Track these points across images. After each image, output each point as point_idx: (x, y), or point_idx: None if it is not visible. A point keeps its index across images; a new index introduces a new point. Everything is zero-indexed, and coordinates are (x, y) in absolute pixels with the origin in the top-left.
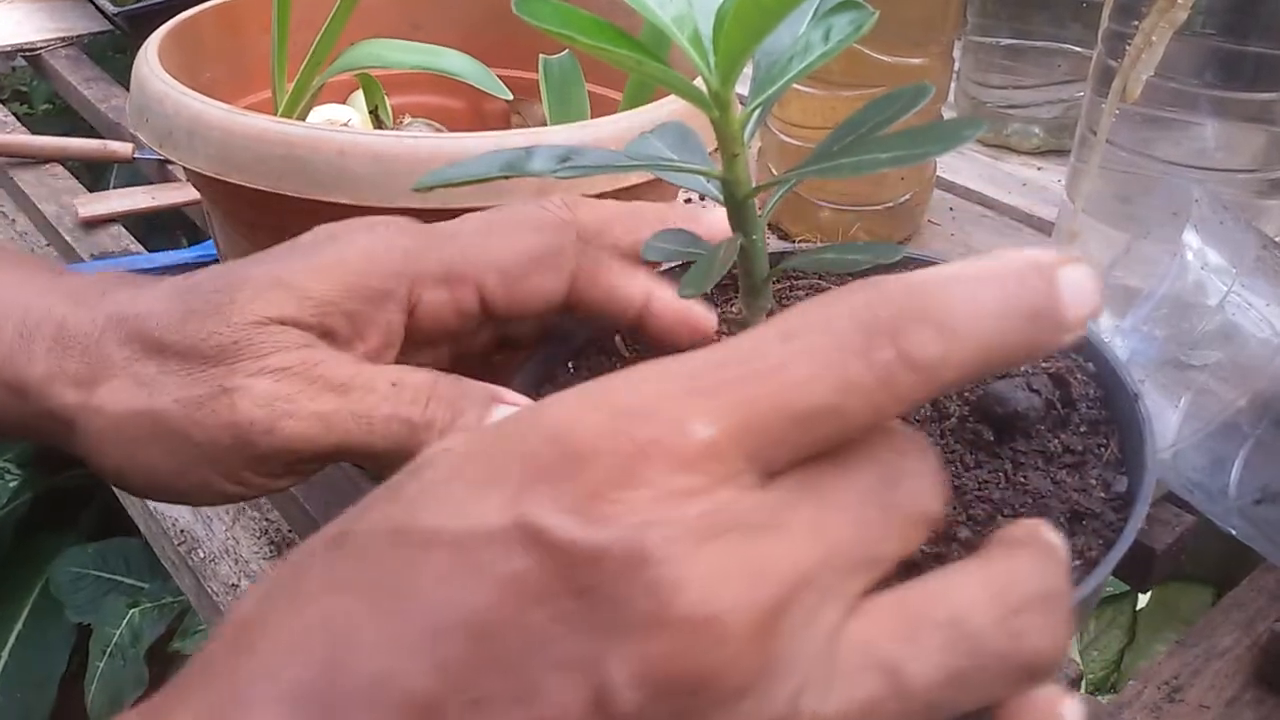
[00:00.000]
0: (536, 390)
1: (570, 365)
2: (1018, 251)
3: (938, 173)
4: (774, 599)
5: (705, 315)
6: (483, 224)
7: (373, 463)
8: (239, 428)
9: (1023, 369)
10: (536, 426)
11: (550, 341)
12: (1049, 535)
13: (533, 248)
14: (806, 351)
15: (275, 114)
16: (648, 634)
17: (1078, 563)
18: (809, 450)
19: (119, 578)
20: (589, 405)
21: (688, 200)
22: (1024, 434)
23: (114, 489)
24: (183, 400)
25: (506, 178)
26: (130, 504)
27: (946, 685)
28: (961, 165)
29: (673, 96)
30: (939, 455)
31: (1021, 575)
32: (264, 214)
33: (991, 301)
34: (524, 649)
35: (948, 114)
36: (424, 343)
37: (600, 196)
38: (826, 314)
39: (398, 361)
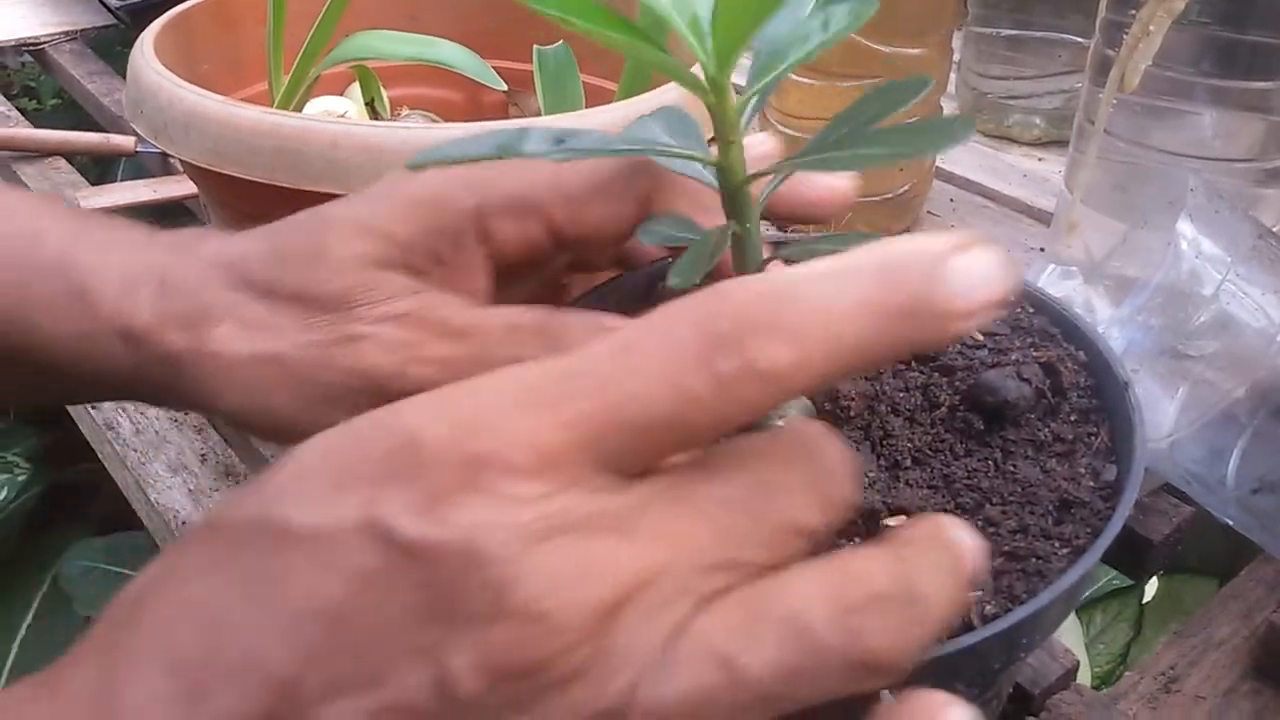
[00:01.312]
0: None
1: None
2: (898, 241)
3: (938, 164)
4: (606, 596)
5: None
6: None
7: None
8: (368, 374)
9: (1013, 358)
10: (392, 430)
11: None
12: (948, 531)
13: (603, 174)
14: (644, 363)
15: (272, 106)
16: (484, 626)
17: (1065, 550)
18: (665, 455)
19: (128, 571)
20: (434, 415)
21: None
22: (1014, 423)
23: (120, 487)
24: (304, 344)
25: (500, 158)
26: (133, 497)
27: (781, 678)
28: (962, 156)
29: (669, 86)
30: (849, 459)
31: (867, 574)
32: (258, 205)
33: (850, 302)
34: (374, 637)
35: (948, 105)
36: (512, 276)
37: None
38: (668, 324)
39: (500, 294)
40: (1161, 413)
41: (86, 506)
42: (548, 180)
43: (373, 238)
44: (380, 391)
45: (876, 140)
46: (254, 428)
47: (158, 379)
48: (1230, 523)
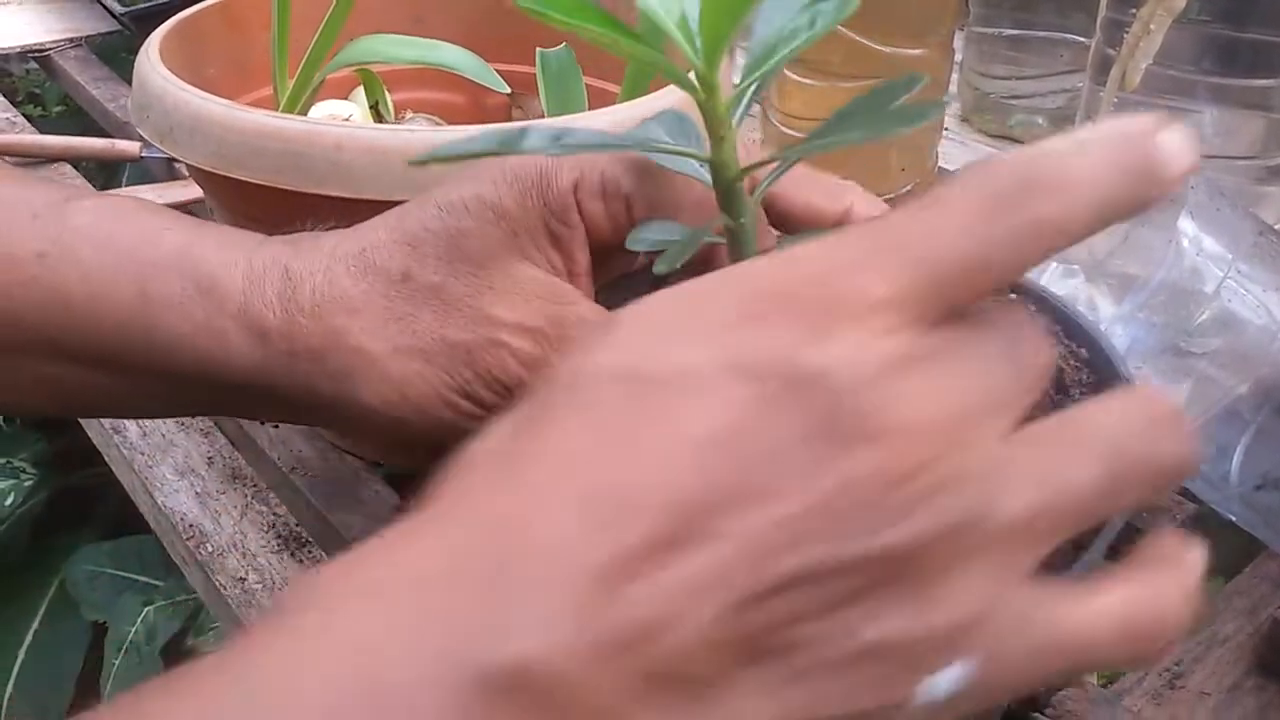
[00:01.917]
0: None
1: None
2: (1119, 119)
3: (939, 164)
4: (965, 413)
5: None
6: None
7: None
8: (508, 380)
9: None
10: (733, 284)
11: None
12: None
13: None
14: (951, 216)
15: (277, 110)
16: (870, 441)
17: (1068, 546)
18: (956, 304)
19: (134, 575)
20: (779, 264)
21: None
22: None
23: (126, 491)
24: (448, 342)
25: (501, 154)
26: (140, 501)
27: (1101, 493)
28: (964, 156)
29: (670, 88)
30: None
31: (1140, 400)
32: (264, 208)
33: (1102, 166)
34: (763, 456)
35: (950, 104)
36: (604, 262)
37: None
38: (959, 186)
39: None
40: None
41: (92, 511)
42: (633, 166)
43: (502, 225)
44: (514, 394)
45: (852, 125)
46: (392, 425)
47: (288, 377)
48: (1234, 519)
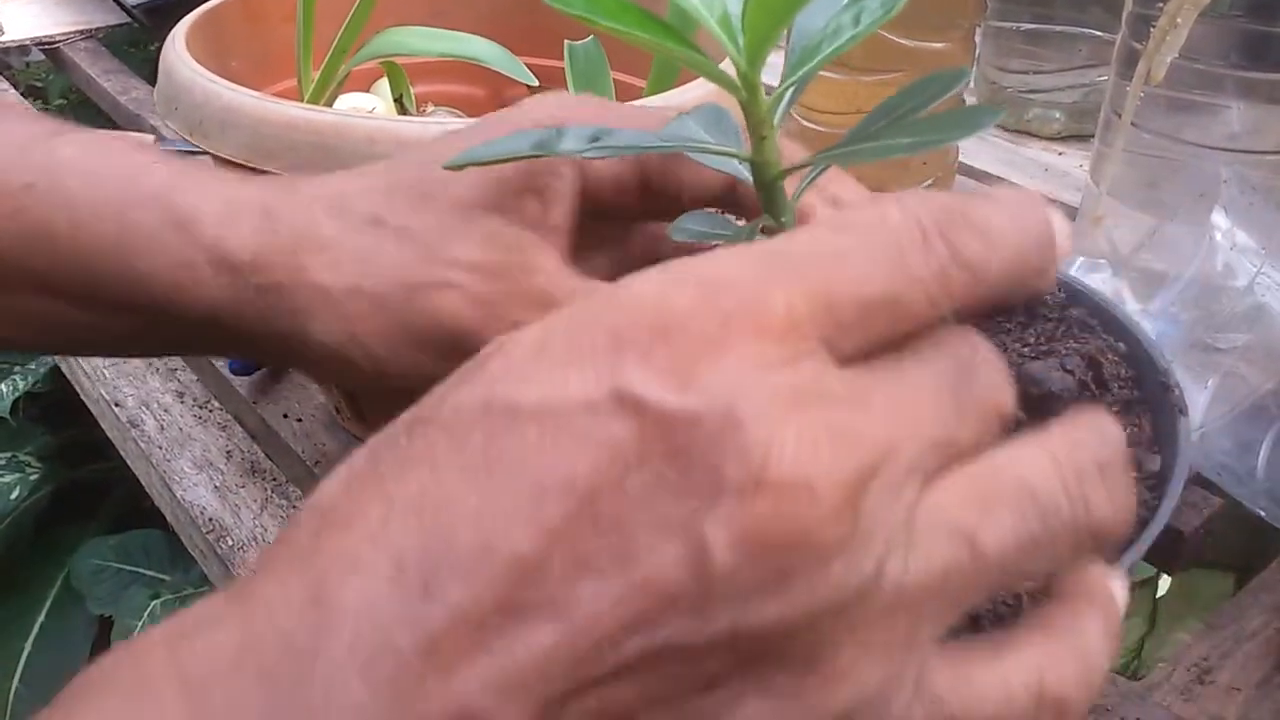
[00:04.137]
0: None
1: None
2: (1021, 190)
3: (959, 158)
4: (862, 466)
5: None
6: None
7: None
8: (451, 323)
9: (1057, 350)
10: (621, 302)
11: None
12: (1104, 418)
13: None
14: (866, 243)
15: (301, 103)
16: (743, 497)
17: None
18: (869, 340)
19: (140, 569)
20: (672, 279)
21: None
22: (1057, 414)
23: (141, 482)
24: (399, 282)
25: (538, 156)
26: (156, 494)
27: (1018, 550)
28: (982, 150)
29: (699, 81)
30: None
31: (1081, 445)
32: None
33: (1018, 221)
34: (624, 511)
35: (968, 99)
36: (596, 217)
37: None
38: (879, 212)
39: (577, 256)
40: (1192, 405)
41: (98, 505)
42: (644, 120)
43: (477, 173)
44: (459, 344)
45: (902, 130)
46: (342, 365)
47: (254, 311)
48: (1262, 514)
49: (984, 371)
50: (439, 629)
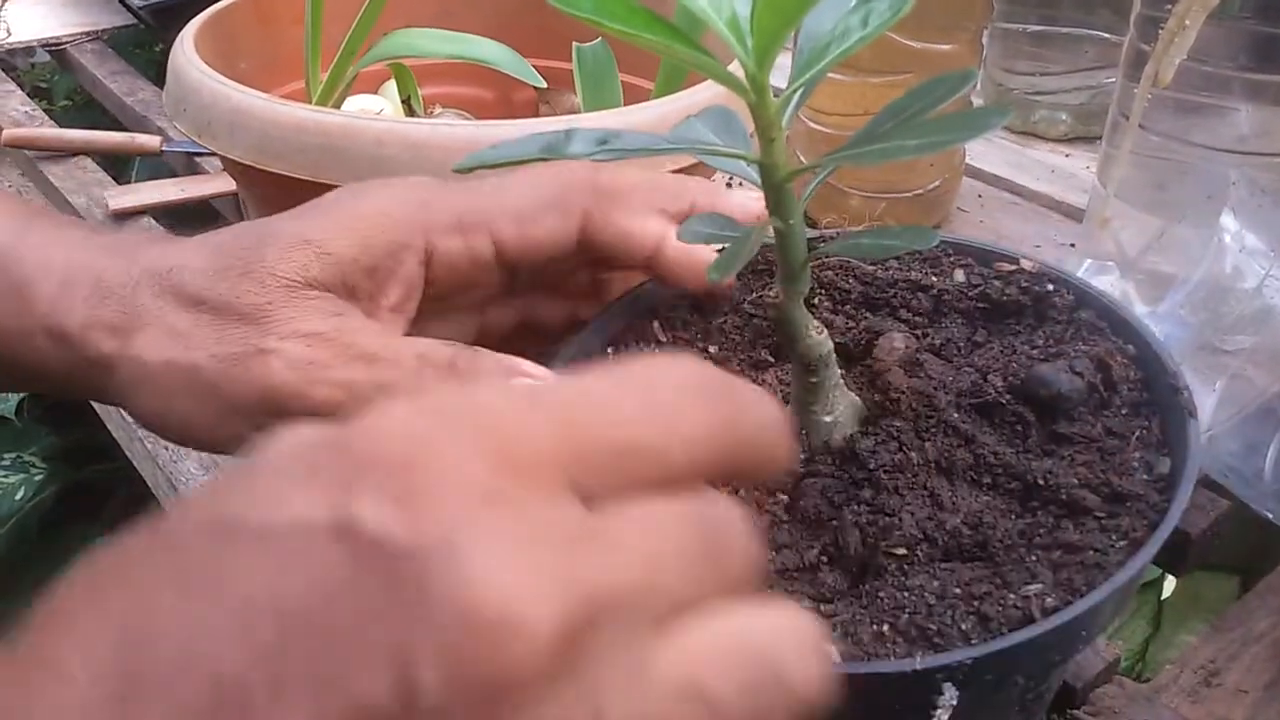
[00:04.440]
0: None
1: (609, 350)
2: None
3: (966, 160)
4: (580, 608)
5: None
6: (499, 178)
7: None
8: (271, 389)
9: (1066, 352)
10: (369, 429)
11: (587, 327)
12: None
13: (545, 193)
14: (636, 394)
15: (310, 104)
16: (452, 630)
17: (1123, 543)
18: (624, 487)
19: None
20: (420, 410)
21: (729, 185)
22: (1066, 416)
23: (145, 479)
24: (217, 356)
25: (545, 159)
26: (163, 495)
27: (749, 703)
28: (989, 152)
29: (707, 82)
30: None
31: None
32: (302, 202)
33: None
34: (333, 637)
35: (975, 101)
36: (444, 297)
37: None
38: (665, 368)
39: (421, 325)
40: (1200, 407)
41: (103, 506)
42: (494, 198)
43: (307, 253)
44: (282, 409)
45: (910, 132)
46: (168, 434)
47: (86, 380)
48: (1270, 516)
49: (731, 530)
50: None
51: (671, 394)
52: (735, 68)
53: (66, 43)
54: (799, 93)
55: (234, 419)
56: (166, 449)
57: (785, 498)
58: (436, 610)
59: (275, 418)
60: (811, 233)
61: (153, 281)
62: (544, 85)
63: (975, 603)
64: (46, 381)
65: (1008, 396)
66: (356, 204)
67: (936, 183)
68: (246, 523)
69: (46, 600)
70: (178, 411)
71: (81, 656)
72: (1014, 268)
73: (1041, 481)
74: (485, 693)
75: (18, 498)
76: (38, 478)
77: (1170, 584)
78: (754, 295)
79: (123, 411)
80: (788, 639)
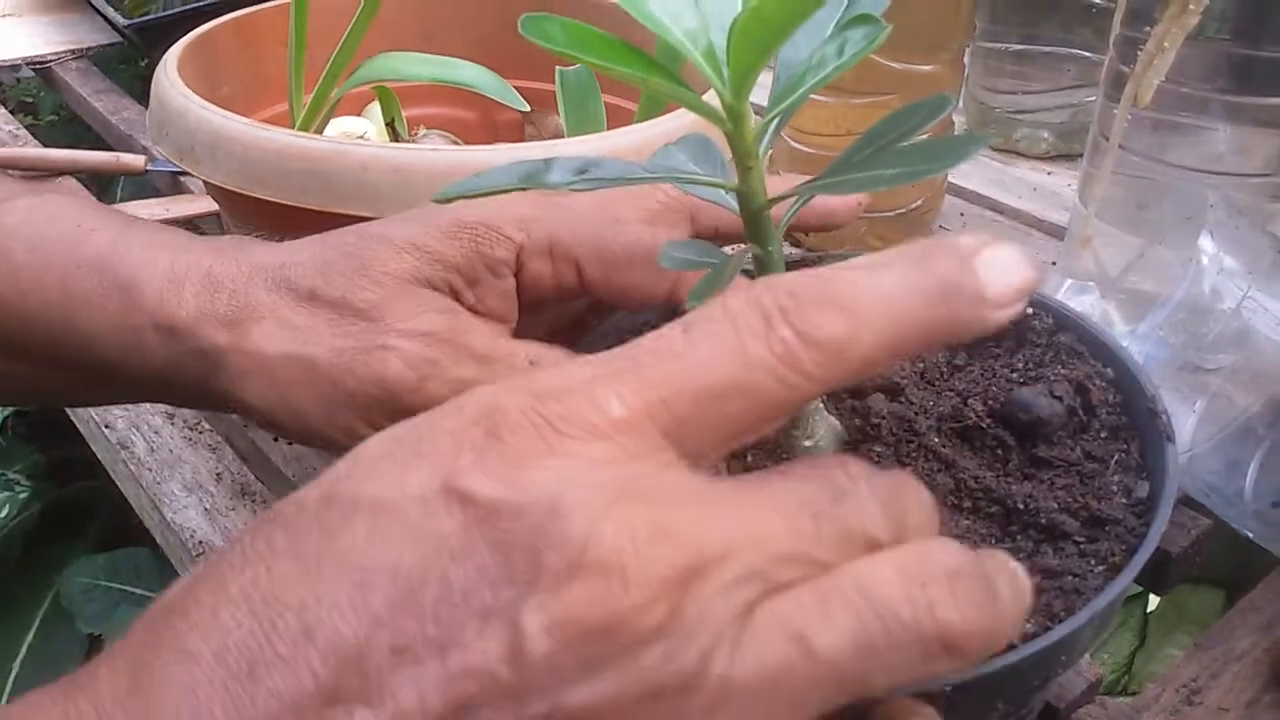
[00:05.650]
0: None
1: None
2: (933, 239)
3: (949, 179)
4: (681, 560)
5: None
6: (599, 203)
7: None
8: (388, 384)
9: (1045, 376)
10: (464, 408)
11: (594, 330)
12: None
13: (639, 241)
14: (706, 337)
15: (293, 127)
16: (559, 584)
17: (1101, 568)
18: (728, 430)
19: (130, 588)
20: (512, 388)
21: None
22: (1046, 440)
23: (128, 500)
24: (336, 349)
25: (525, 189)
26: (146, 516)
27: (856, 655)
28: (971, 171)
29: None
30: (928, 497)
31: (928, 555)
32: (285, 227)
33: (895, 283)
34: (445, 600)
35: (957, 119)
36: (529, 306)
37: None
38: (725, 304)
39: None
40: (1180, 426)
41: (87, 524)
42: (592, 236)
43: (418, 254)
44: (397, 403)
45: (891, 160)
46: (280, 426)
47: (193, 374)
48: (1250, 535)
49: (853, 498)
50: (259, 714)
51: (743, 323)
52: (712, 96)
53: (51, 61)
54: (775, 122)
55: (346, 412)
56: (150, 470)
57: None
58: (543, 566)
59: (388, 412)
60: (795, 253)
61: (265, 276)
62: (526, 108)
63: None
64: (149, 382)
65: (988, 420)
66: (461, 213)
67: (919, 202)
68: (360, 500)
69: (159, 600)
70: (291, 403)
71: (207, 637)
72: None
73: (1021, 506)
74: (590, 643)
75: (2, 515)
76: (22, 495)
77: (1155, 598)
78: None
79: (107, 428)
80: (907, 577)
